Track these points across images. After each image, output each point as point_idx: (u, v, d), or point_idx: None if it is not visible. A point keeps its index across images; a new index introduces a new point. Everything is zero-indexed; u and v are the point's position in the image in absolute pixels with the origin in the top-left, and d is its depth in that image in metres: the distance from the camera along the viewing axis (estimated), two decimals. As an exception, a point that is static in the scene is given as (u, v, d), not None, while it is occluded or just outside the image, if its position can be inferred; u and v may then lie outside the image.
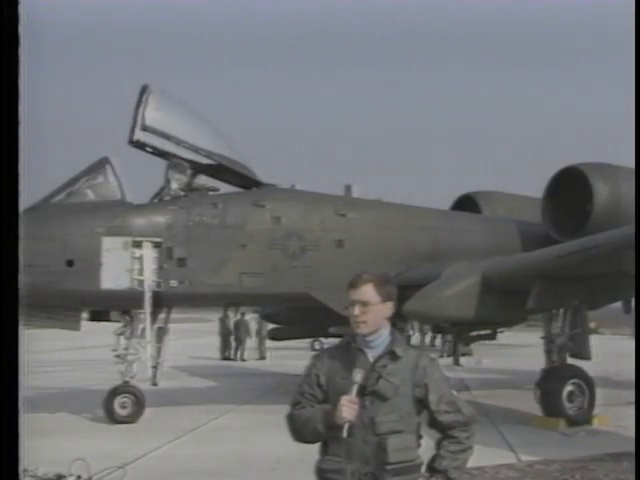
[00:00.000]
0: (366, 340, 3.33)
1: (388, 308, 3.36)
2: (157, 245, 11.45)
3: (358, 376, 3.22)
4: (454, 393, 3.36)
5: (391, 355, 3.30)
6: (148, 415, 11.89)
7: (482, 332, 14.52)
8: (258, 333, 26.47)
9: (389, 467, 3.18)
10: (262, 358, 26.05)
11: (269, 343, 24.42)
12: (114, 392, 11.79)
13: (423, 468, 3.32)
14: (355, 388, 3.20)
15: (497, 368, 20.62)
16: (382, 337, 3.35)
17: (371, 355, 3.32)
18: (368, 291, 3.31)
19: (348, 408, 3.15)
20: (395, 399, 3.24)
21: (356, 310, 3.31)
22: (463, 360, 22.25)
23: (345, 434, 3.17)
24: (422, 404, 3.30)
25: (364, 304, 3.31)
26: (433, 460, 3.31)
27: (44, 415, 12.00)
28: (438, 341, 27.62)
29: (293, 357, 23.38)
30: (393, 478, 3.19)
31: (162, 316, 12.73)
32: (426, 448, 3.40)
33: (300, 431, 3.32)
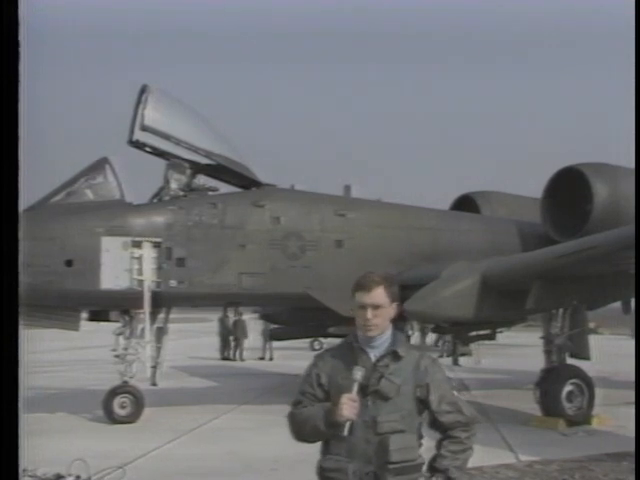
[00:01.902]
0: (369, 340, 3.33)
1: (393, 309, 3.37)
2: (156, 245, 11.44)
3: (358, 374, 3.22)
4: (455, 394, 3.37)
5: (393, 355, 3.30)
6: (147, 415, 11.89)
7: (481, 332, 14.53)
8: (263, 333, 26.30)
9: (391, 466, 3.20)
10: (261, 358, 25.92)
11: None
12: (113, 392, 11.79)
13: (424, 468, 3.32)
14: (356, 386, 3.20)
15: (496, 368, 20.62)
16: (384, 337, 3.35)
17: (373, 355, 3.32)
18: (380, 294, 3.28)
19: (349, 406, 3.14)
20: (397, 399, 3.25)
21: (369, 314, 3.26)
22: (462, 360, 22.25)
23: (346, 432, 3.17)
24: (423, 404, 3.31)
25: (376, 307, 3.27)
26: (434, 460, 3.32)
27: (44, 415, 12.00)
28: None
29: (293, 357, 23.43)
30: (395, 477, 3.20)
31: (161, 316, 12.73)
32: (427, 448, 3.40)
33: (300, 430, 3.32)
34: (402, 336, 3.46)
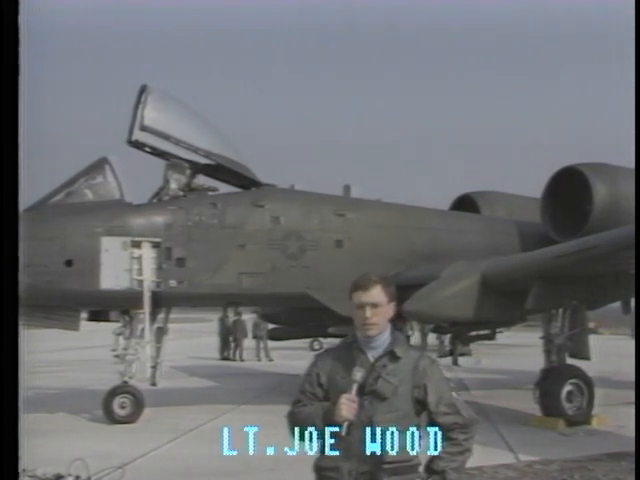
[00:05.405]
0: (368, 340, 3.34)
1: (391, 309, 3.38)
2: (156, 245, 11.44)
3: (358, 375, 3.23)
4: (454, 395, 3.35)
5: (391, 355, 3.31)
6: (147, 415, 11.88)
7: (481, 332, 14.52)
8: (254, 334, 26.17)
9: (385, 466, 3.20)
10: (258, 360, 25.73)
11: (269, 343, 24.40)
12: (113, 392, 11.78)
13: (421, 469, 3.32)
14: (355, 387, 3.22)
15: (496, 368, 20.63)
16: (383, 337, 3.36)
17: (371, 355, 3.33)
18: (378, 293, 3.31)
19: (347, 407, 3.16)
20: (394, 399, 3.25)
21: (368, 312, 3.28)
22: (462, 360, 22.25)
23: (344, 432, 3.18)
24: (421, 405, 3.31)
25: (374, 306, 3.29)
26: (431, 461, 3.31)
27: (43, 415, 11.98)
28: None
29: (293, 357, 23.43)
30: (390, 478, 3.21)
31: (161, 316, 12.72)
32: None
33: (299, 429, 3.33)
34: (401, 336, 3.47)
